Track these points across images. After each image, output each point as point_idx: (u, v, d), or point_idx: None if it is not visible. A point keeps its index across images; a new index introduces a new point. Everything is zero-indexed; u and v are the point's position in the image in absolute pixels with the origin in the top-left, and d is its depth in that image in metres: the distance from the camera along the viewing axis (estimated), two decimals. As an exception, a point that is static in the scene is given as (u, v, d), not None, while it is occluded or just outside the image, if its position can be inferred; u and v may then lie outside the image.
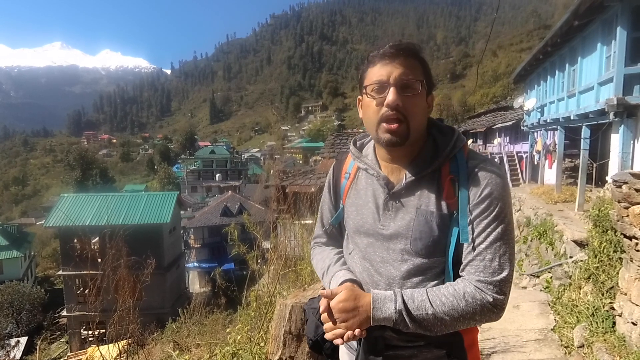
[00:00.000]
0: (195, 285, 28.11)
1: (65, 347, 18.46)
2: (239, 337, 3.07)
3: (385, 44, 1.05)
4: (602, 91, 7.65)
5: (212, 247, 29.31)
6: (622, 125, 6.80)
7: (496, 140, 21.82)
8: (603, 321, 3.79)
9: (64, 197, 21.76)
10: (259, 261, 3.79)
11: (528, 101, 13.96)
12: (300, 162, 45.23)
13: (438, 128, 1.15)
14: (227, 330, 3.57)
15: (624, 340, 3.41)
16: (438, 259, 1.06)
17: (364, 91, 1.09)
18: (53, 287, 28.39)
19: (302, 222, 4.44)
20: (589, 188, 8.77)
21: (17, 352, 15.35)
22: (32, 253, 33.42)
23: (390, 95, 1.01)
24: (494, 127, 21.10)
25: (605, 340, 3.54)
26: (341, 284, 1.10)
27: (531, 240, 7.76)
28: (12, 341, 16.45)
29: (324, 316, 1.05)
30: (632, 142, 6.79)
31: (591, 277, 4.60)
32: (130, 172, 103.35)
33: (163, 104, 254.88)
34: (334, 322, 1.03)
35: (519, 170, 16.57)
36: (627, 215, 3.44)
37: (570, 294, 4.80)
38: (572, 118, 9.03)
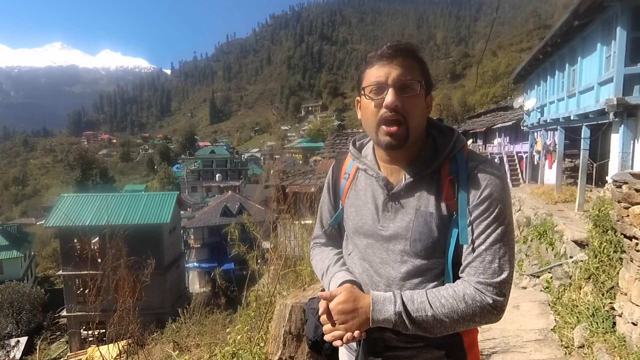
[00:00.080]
0: (195, 285, 28.09)
1: (65, 347, 18.45)
2: (238, 337, 3.07)
3: (383, 45, 1.05)
4: (602, 91, 7.65)
5: (212, 247, 29.30)
6: (622, 125, 6.80)
7: (496, 141, 21.80)
8: (603, 321, 3.79)
9: (64, 197, 21.78)
10: (258, 261, 3.79)
11: (528, 101, 13.95)
12: (300, 162, 45.16)
13: (437, 128, 1.14)
14: (227, 330, 3.56)
15: (624, 341, 3.40)
16: (437, 260, 1.06)
17: (362, 92, 1.08)
18: (53, 287, 28.37)
19: (302, 222, 4.44)
20: (589, 188, 8.76)
21: (17, 352, 15.36)
22: (32, 253, 33.47)
23: (389, 96, 1.01)
24: (494, 127, 21.08)
25: (605, 340, 3.53)
26: (340, 285, 1.10)
27: (531, 241, 7.76)
28: (12, 341, 16.46)
29: (324, 318, 1.04)
30: (632, 142, 6.79)
31: (591, 277, 4.60)
32: (130, 172, 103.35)
33: (163, 104, 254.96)
34: (333, 324, 1.02)
35: (519, 171, 16.56)
36: (627, 215, 3.44)
37: (570, 294, 4.80)
38: (572, 118, 9.03)
